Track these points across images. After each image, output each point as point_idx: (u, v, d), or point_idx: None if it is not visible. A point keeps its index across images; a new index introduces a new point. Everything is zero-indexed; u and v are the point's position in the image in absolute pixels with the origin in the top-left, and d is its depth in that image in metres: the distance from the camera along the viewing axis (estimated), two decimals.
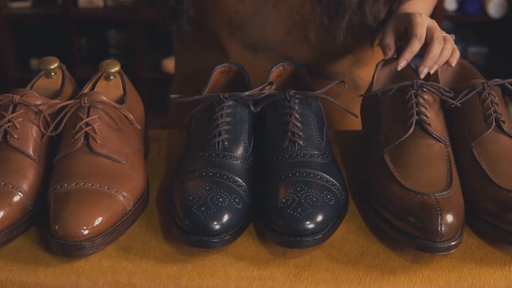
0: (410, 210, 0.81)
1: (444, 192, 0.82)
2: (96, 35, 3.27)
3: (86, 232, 0.79)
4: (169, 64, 3.00)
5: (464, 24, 3.16)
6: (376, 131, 0.95)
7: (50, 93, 1.03)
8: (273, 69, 1.05)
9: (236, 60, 1.17)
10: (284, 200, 0.82)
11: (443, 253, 0.79)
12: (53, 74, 1.05)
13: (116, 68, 1.02)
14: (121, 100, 1.00)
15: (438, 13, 2.84)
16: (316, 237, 0.80)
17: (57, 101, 0.94)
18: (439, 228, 0.78)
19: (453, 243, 0.80)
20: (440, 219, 0.79)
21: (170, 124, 1.48)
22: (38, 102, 0.93)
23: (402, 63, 1.02)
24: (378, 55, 1.30)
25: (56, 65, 1.04)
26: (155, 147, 1.09)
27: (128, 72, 1.07)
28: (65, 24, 3.14)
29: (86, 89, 1.01)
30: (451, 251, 0.80)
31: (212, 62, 1.14)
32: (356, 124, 1.17)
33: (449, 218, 0.79)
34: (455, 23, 3.14)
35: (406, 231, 0.81)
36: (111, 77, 1.03)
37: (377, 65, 1.07)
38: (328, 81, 1.25)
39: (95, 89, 1.02)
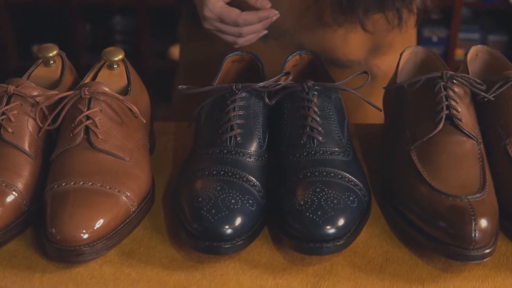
0: (440, 214, 0.77)
1: (478, 195, 0.78)
2: (101, 21, 3.22)
3: (85, 236, 0.75)
4: (176, 52, 2.95)
5: (484, 11, 3.11)
6: (401, 127, 0.90)
7: (49, 83, 0.98)
8: (289, 58, 1.01)
9: (246, 47, 1.12)
10: (302, 202, 0.77)
11: (476, 261, 0.75)
12: (52, 62, 1.00)
13: (120, 56, 0.97)
14: (125, 91, 0.95)
15: (457, 0, 2.79)
16: (338, 243, 0.76)
17: (55, 92, 0.90)
18: (473, 235, 0.74)
19: (487, 251, 0.75)
20: (474, 225, 0.74)
21: (173, 116, 1.43)
22: (35, 93, 0.89)
23: None
24: (396, 44, 1.25)
25: (55, 52, 0.99)
26: (161, 142, 1.04)
27: (133, 60, 1.02)
28: (68, 10, 3.10)
29: (87, 79, 0.96)
30: (485, 260, 0.76)
31: (219, 50, 1.10)
32: (371, 115, 1.13)
33: (484, 223, 0.75)
34: (474, 11, 3.09)
35: (435, 237, 0.77)
36: (115, 66, 0.98)
37: (401, 55, 1.02)
38: (342, 70, 1.22)
39: (97, 79, 0.97)
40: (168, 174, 0.96)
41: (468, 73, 0.98)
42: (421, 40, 2.76)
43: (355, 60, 1.25)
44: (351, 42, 1.22)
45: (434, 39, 2.84)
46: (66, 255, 0.75)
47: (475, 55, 1.03)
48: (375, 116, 1.05)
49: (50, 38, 3.01)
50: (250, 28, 1.03)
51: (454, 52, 2.84)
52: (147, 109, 0.98)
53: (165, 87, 2.10)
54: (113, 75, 0.98)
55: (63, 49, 1.02)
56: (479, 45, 1.03)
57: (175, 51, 3.04)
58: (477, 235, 0.74)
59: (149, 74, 3.02)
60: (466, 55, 1.02)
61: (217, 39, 1.18)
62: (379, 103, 0.99)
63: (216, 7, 1.02)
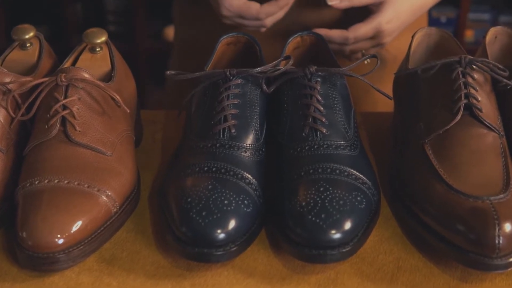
0: (459, 217, 0.72)
1: (501, 195, 0.72)
2: (92, 0, 3.17)
3: (60, 241, 0.70)
4: (172, 33, 2.89)
5: None
6: (414, 117, 0.85)
7: (25, 68, 0.93)
8: (289, 40, 0.96)
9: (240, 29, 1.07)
10: (304, 203, 0.73)
11: (500, 271, 0.71)
12: (28, 45, 0.94)
13: (103, 38, 0.92)
14: (108, 77, 0.90)
15: None
16: (344, 250, 0.71)
17: (29, 78, 0.84)
18: (497, 241, 0.69)
19: None
20: (498, 230, 0.69)
21: (168, 101, 1.38)
22: (7, 80, 0.83)
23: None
24: (415, 21, 1.18)
25: (31, 34, 0.93)
26: (149, 133, 0.99)
27: (127, 42, 0.97)
28: None
29: (66, 64, 0.91)
30: (510, 269, 0.71)
31: (214, 29, 1.06)
32: (380, 103, 1.09)
33: (508, 227, 0.70)
34: None
35: (453, 243, 0.72)
36: (97, 49, 0.93)
37: (413, 36, 0.96)
38: None
39: (78, 64, 0.92)
40: (155, 169, 0.91)
41: (487, 57, 0.92)
42: (429, 21, 2.69)
43: None
44: (355, 22, 1.15)
45: (443, 19, 2.78)
46: (39, 262, 0.70)
47: (494, 37, 0.97)
48: (386, 103, 0.99)
49: (39, 18, 2.96)
50: (272, 18, 1.04)
51: (464, 33, 2.78)
52: (133, 96, 0.93)
53: (160, 70, 2.05)
54: (96, 59, 0.93)
55: (52, 29, 0.96)
56: (499, 27, 0.98)
57: (170, 32, 2.99)
58: (501, 241, 0.68)
59: (143, 56, 2.97)
60: (484, 37, 0.95)
61: (213, 17, 1.11)
62: (388, 89, 0.94)
63: (233, 5, 1.02)
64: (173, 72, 0.84)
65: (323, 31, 1.01)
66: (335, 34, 1.04)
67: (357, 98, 1.13)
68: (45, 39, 0.95)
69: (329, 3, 1.03)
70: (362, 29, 1.04)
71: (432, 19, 2.78)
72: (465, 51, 0.90)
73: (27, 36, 0.93)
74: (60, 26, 3.03)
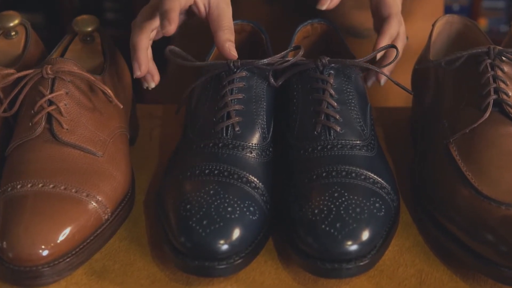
0: (489, 226, 0.67)
1: None
2: None
3: (45, 252, 0.67)
4: None
5: None
6: (436, 114, 0.80)
7: (9, 59, 0.89)
8: (298, 28, 0.92)
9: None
10: (316, 211, 0.68)
11: None
12: (13, 33, 0.91)
13: (94, 26, 0.89)
14: (100, 68, 0.87)
15: None
16: (361, 263, 0.67)
17: (11, 70, 0.80)
18: None
19: None
20: None
21: (167, 97, 1.34)
22: None
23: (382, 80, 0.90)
24: (428, 7, 1.13)
25: (16, 21, 0.90)
26: (145, 129, 0.95)
27: (126, 29, 0.93)
28: None
29: (54, 54, 0.87)
30: None
31: None
32: (392, 96, 1.06)
33: None
34: None
35: (482, 255, 0.68)
36: (88, 38, 0.90)
37: (433, 25, 0.91)
38: (360, 40, 1.13)
39: (67, 54, 0.89)
40: (152, 170, 0.87)
41: None
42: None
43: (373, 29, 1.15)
44: (368, 7, 1.11)
45: (456, 7, 2.76)
46: (21, 277, 0.67)
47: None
48: (399, 96, 0.95)
49: (34, 4, 2.93)
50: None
51: (477, 22, 2.74)
52: (128, 90, 0.90)
53: (160, 59, 2.02)
54: (87, 49, 0.90)
55: (48, 17, 0.92)
56: None
57: None
58: None
59: None
60: (511, 26, 0.90)
61: None
62: (401, 81, 0.90)
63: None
64: (174, 50, 0.82)
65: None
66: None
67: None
68: (40, 26, 0.92)
69: (322, 8, 0.94)
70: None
71: (444, 7, 2.75)
72: (491, 42, 0.85)
73: (11, 24, 0.90)
74: (56, 13, 3.01)
